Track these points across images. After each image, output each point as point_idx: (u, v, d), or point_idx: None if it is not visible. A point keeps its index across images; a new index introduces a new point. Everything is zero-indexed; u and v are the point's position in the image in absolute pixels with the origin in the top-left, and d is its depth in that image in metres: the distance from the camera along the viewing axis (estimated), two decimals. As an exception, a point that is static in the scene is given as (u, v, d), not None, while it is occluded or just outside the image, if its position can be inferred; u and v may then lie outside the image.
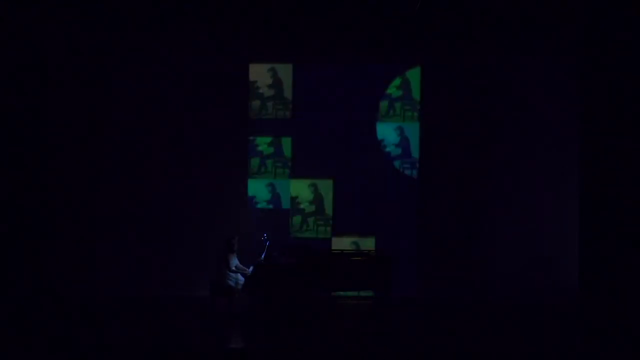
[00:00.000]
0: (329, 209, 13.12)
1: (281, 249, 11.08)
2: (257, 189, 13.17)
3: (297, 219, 13.08)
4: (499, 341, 9.36)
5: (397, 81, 13.14)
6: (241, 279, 10.78)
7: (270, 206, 13.13)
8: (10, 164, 12.05)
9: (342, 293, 11.67)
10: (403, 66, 13.15)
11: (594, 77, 11.14)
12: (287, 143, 13.17)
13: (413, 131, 13.13)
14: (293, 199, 13.15)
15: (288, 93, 13.16)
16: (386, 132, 13.16)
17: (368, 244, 12.84)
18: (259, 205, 13.13)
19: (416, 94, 13.12)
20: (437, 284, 12.67)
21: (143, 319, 10.66)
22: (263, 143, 13.17)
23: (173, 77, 12.89)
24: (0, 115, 11.99)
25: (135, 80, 12.86)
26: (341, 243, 12.78)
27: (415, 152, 13.11)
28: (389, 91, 13.15)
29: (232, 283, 10.74)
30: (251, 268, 10.78)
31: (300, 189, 13.15)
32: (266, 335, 9.64)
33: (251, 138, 13.12)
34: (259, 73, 13.14)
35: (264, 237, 11.57)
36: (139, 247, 12.69)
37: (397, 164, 13.11)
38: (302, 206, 13.13)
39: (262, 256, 11.13)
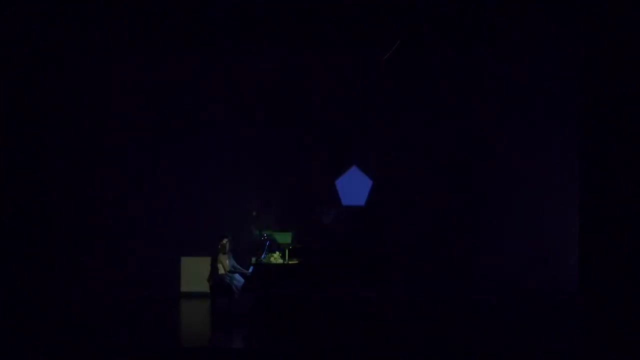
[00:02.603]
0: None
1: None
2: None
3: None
4: (499, 341, 9.36)
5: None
6: (241, 279, 10.77)
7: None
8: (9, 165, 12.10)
9: (342, 293, 11.65)
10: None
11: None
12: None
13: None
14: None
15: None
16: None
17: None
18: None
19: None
20: (436, 283, 12.69)
21: (142, 319, 10.65)
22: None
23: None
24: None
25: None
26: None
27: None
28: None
29: (231, 283, 10.72)
30: (251, 268, 10.78)
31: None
32: (266, 335, 9.63)
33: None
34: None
35: (264, 236, 11.56)
36: (139, 247, 12.68)
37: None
38: None
39: (263, 256, 11.12)
